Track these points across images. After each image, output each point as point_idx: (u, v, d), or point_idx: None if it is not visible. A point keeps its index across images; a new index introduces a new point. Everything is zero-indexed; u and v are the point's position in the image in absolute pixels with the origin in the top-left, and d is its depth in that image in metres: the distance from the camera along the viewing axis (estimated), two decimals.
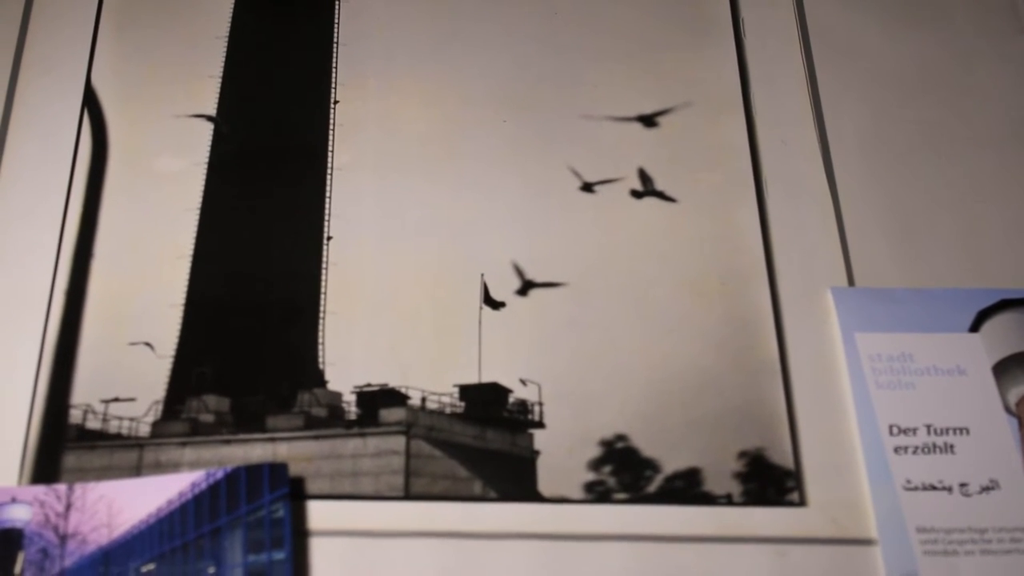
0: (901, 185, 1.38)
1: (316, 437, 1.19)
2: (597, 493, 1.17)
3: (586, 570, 1.12)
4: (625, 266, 1.31)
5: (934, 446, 1.18)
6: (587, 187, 1.36)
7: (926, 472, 1.16)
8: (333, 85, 1.44)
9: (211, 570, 1.06)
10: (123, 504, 1.10)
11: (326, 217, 1.33)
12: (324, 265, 1.30)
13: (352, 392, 1.22)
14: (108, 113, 1.39)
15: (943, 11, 1.53)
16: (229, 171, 1.36)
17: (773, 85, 1.46)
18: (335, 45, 1.47)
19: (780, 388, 1.23)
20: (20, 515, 1.09)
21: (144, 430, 1.19)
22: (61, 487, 1.11)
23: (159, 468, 1.17)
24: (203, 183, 1.35)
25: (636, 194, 1.36)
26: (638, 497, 1.16)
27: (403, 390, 1.22)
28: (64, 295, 1.25)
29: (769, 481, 1.17)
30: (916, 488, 1.15)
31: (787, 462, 1.18)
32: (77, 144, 1.36)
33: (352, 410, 1.21)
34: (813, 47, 1.49)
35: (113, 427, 1.19)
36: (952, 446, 1.18)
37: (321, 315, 1.27)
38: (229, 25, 1.48)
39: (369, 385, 1.22)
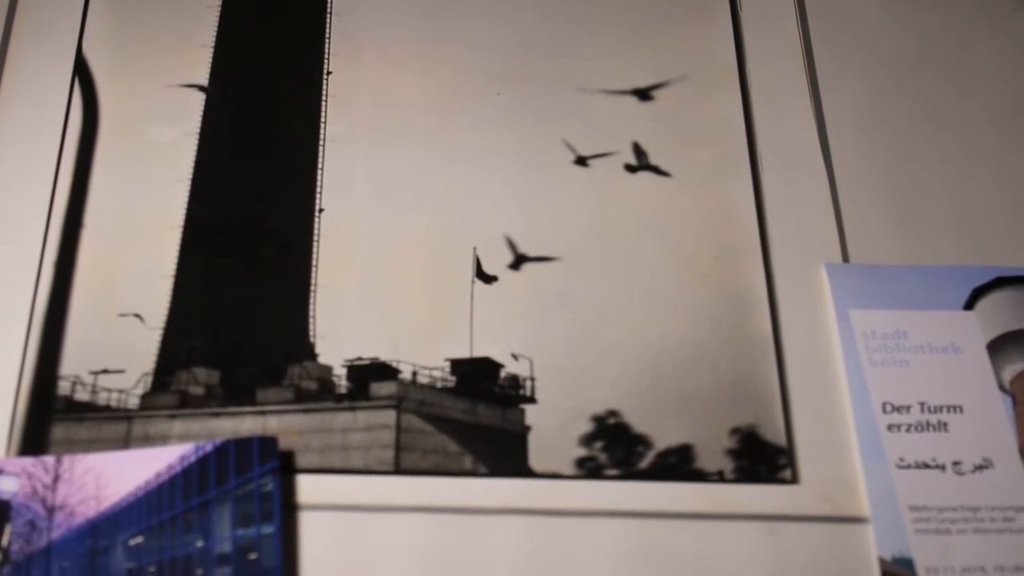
0: (897, 161, 1.38)
1: (306, 411, 1.18)
2: (588, 469, 1.16)
3: (577, 546, 1.12)
4: (619, 241, 1.31)
5: (928, 424, 1.17)
6: (581, 161, 1.36)
7: (919, 450, 1.16)
8: (326, 56, 1.42)
9: (199, 543, 1.06)
10: (111, 476, 1.09)
11: (318, 189, 1.32)
12: (316, 237, 1.29)
13: (343, 366, 1.22)
14: (99, 82, 1.37)
15: None
16: (220, 141, 1.35)
17: (769, 60, 1.45)
18: (328, 15, 1.45)
19: (773, 365, 1.23)
20: (7, 487, 1.08)
21: (133, 402, 1.18)
22: (49, 459, 1.10)
23: (148, 441, 1.16)
24: (194, 153, 1.34)
25: (630, 168, 1.36)
26: (630, 473, 1.16)
27: (394, 364, 1.21)
28: (53, 265, 1.24)
29: (761, 458, 1.17)
30: (909, 466, 1.15)
31: (780, 439, 1.18)
32: (68, 113, 1.34)
33: (343, 384, 1.21)
34: (810, 22, 1.48)
35: (102, 399, 1.18)
36: (946, 424, 1.17)
37: (312, 288, 1.26)
38: None
39: (360, 359, 1.22)
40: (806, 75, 1.44)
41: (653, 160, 1.36)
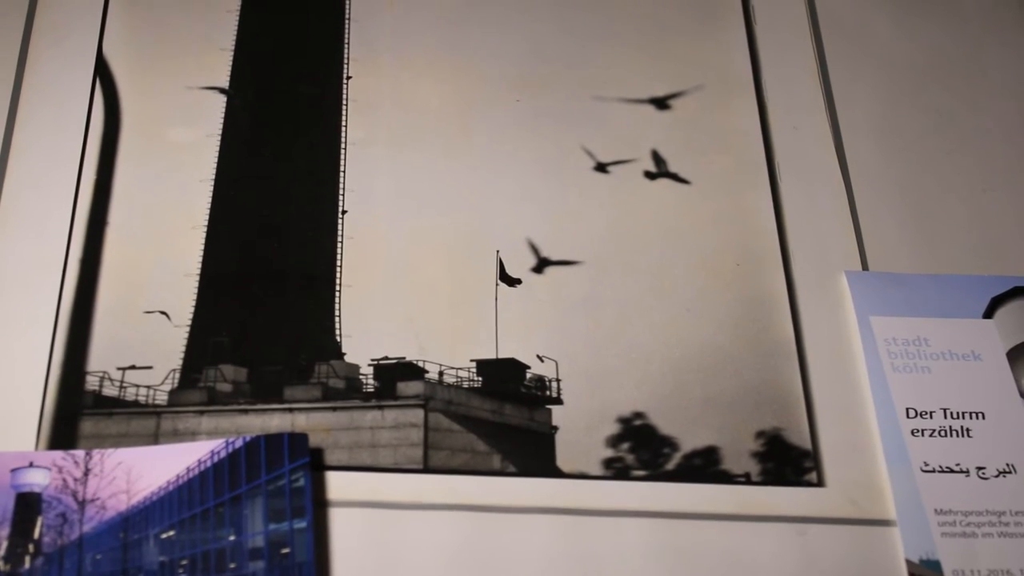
0: (912, 172, 1.39)
1: (334, 408, 1.18)
2: (616, 469, 1.17)
3: (605, 545, 1.12)
4: (640, 246, 1.31)
5: (951, 429, 1.18)
6: (601, 167, 1.36)
7: (943, 455, 1.17)
8: (345, 60, 1.43)
9: (232, 537, 1.06)
10: (142, 471, 1.09)
11: (341, 191, 1.33)
12: (340, 239, 1.29)
13: (369, 364, 1.22)
14: (120, 83, 1.37)
15: (951, 1, 1.54)
16: (242, 144, 1.35)
17: (784, 71, 1.47)
18: (347, 21, 1.46)
19: (796, 369, 1.24)
20: (38, 479, 1.08)
21: (161, 398, 1.18)
22: (79, 453, 1.10)
23: (176, 436, 1.16)
24: (216, 154, 1.34)
25: (650, 175, 1.36)
26: (657, 474, 1.17)
27: (420, 364, 1.21)
28: (79, 262, 1.24)
29: (787, 461, 1.18)
30: (933, 470, 1.16)
31: (805, 443, 1.19)
32: (90, 113, 1.34)
33: (370, 383, 1.21)
34: (823, 35, 1.49)
35: (130, 395, 1.18)
36: (968, 430, 1.18)
37: (337, 288, 1.26)
38: None
39: (386, 358, 1.22)
40: (821, 87, 1.45)
41: (672, 168, 1.37)
